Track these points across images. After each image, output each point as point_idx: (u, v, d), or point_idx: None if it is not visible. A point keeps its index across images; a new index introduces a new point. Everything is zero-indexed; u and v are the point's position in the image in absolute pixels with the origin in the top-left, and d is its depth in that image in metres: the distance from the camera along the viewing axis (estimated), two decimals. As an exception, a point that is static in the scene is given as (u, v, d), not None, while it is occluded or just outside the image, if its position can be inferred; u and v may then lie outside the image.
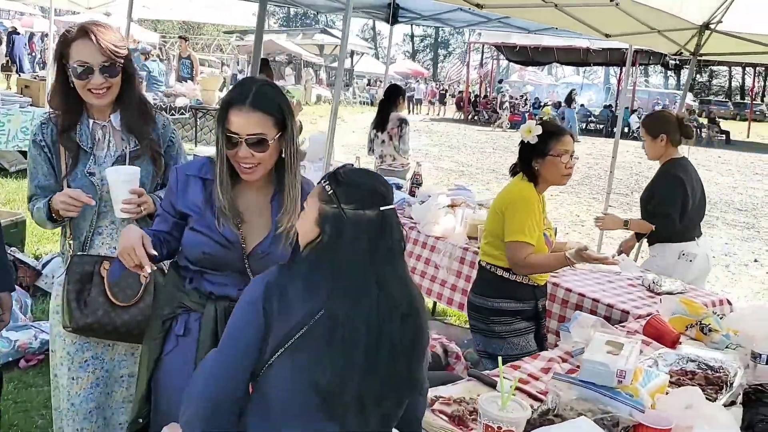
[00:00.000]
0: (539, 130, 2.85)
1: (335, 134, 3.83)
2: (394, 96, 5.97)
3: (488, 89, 35.50)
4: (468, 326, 4.57)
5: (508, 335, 2.93)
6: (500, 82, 36.33)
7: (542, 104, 29.45)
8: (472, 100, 32.15)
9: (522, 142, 2.91)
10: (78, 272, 2.19)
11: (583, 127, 25.93)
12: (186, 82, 11.07)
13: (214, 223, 1.91)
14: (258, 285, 1.52)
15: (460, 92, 33.81)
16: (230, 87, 2.10)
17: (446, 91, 36.11)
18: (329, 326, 1.43)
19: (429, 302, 5.11)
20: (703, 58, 4.93)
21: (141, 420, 2.02)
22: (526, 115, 20.92)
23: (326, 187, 1.53)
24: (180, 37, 14.08)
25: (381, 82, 36.81)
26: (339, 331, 1.43)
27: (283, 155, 1.94)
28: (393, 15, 6.69)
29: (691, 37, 4.68)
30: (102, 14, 10.07)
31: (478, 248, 3.93)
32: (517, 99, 31.47)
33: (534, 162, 2.88)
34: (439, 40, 70.72)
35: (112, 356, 2.31)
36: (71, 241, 2.25)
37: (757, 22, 4.22)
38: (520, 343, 2.93)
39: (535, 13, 4.14)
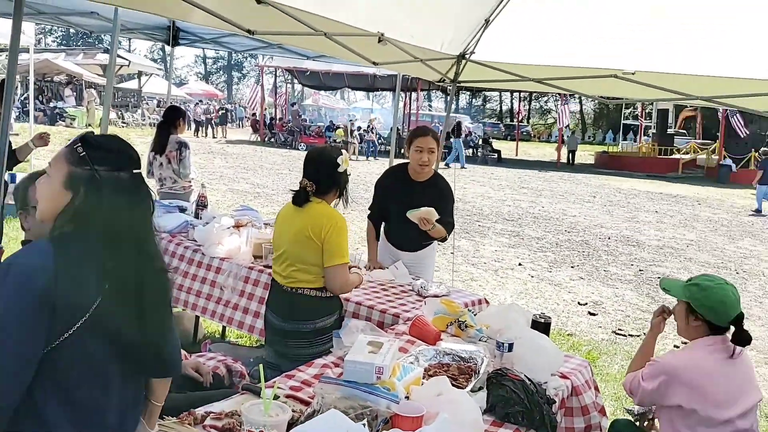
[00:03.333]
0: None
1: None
2: (172, 118, 5.82)
3: (284, 112, 35.86)
4: (257, 345, 4.64)
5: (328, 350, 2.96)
6: (293, 105, 36.86)
7: (335, 127, 30.39)
8: (268, 122, 32.25)
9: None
10: None
11: (376, 149, 27.25)
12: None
13: None
14: (34, 262, 1.49)
15: (253, 114, 33.71)
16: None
17: (227, 110, 35.92)
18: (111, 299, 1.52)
19: (218, 326, 5.06)
20: (462, 84, 5.50)
21: None
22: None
23: (77, 149, 1.55)
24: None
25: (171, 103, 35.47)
26: (120, 298, 1.54)
27: None
28: (174, 37, 6.57)
29: (451, 65, 5.21)
30: None
31: (264, 267, 4.02)
32: (312, 123, 32.29)
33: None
34: (232, 62, 69.98)
35: None
36: None
37: (502, 54, 4.83)
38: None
39: (306, 41, 4.34)
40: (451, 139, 24.61)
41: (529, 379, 2.46)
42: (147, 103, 36.03)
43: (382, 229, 4.42)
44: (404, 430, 1.96)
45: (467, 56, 5.07)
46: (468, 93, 47.70)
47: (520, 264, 8.77)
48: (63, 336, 1.49)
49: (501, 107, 56.61)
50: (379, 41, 4.33)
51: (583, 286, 7.90)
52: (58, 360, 1.51)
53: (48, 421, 1.53)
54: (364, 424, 1.85)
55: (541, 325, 3.06)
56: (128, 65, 27.63)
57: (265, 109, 34.49)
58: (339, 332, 2.80)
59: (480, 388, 2.50)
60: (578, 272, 8.62)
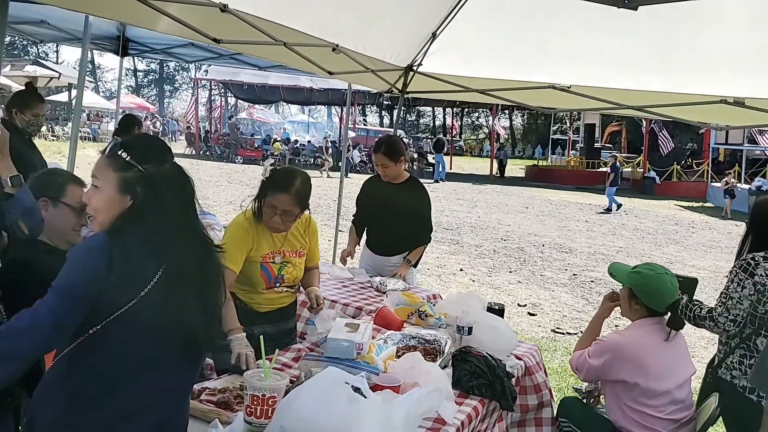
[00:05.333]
0: (268, 174, 2.93)
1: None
2: (129, 126, 5.86)
3: (218, 125, 35.54)
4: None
5: None
6: (230, 118, 36.59)
7: (273, 140, 30.39)
8: (203, 135, 31.92)
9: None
10: None
11: (311, 161, 27.40)
12: None
13: None
14: (94, 247, 1.62)
15: (188, 127, 33.27)
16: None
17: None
18: (170, 280, 1.65)
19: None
20: (409, 95, 5.78)
21: None
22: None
23: (121, 155, 1.67)
24: None
25: (104, 116, 34.61)
26: (176, 283, 1.66)
27: None
28: (123, 47, 6.59)
29: (399, 77, 5.47)
30: None
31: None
32: (248, 136, 32.12)
33: (260, 199, 2.92)
34: (164, 75, 68.64)
35: None
36: None
37: (447, 66, 5.13)
38: None
39: (265, 50, 4.50)
40: (435, 155, 25.26)
41: (491, 356, 2.71)
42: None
43: (363, 236, 4.66)
44: (385, 397, 2.17)
45: (414, 68, 5.35)
46: (402, 108, 48.45)
47: (461, 269, 9.11)
48: (115, 314, 1.60)
49: (434, 122, 57.75)
50: (333, 50, 4.56)
51: (521, 290, 8.30)
52: (109, 337, 1.62)
53: (94, 398, 1.65)
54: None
55: (496, 312, 3.33)
56: (58, 77, 26.84)
57: (200, 122, 34.10)
58: (313, 320, 2.98)
59: (444, 367, 2.73)
60: (516, 276, 9.03)
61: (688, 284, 3.19)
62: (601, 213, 18.01)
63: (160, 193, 1.67)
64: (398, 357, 2.71)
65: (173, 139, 37.17)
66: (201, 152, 30.25)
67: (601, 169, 29.87)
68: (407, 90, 5.56)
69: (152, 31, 4.64)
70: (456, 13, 4.56)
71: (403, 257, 4.43)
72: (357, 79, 5.48)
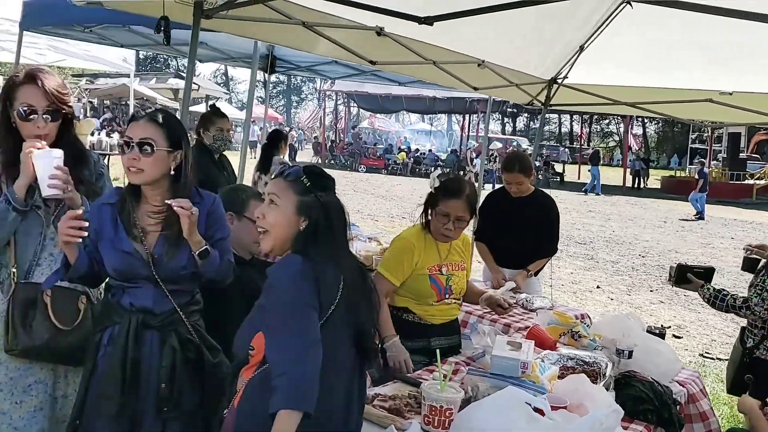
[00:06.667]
0: (437, 183, 3.02)
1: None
2: (276, 140, 6.23)
3: (342, 135, 36.64)
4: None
5: None
6: (354, 128, 37.60)
7: (398, 150, 30.84)
8: (329, 145, 32.97)
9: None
10: (22, 299, 2.29)
11: (432, 171, 27.47)
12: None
13: (118, 240, 2.17)
14: (299, 265, 1.81)
15: (315, 137, 34.52)
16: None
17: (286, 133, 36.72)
18: (350, 291, 1.85)
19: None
20: (553, 107, 5.71)
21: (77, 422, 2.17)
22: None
23: (303, 180, 1.87)
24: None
25: (237, 125, 36.64)
26: (353, 293, 1.86)
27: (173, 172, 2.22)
28: (271, 65, 7.00)
29: (542, 89, 5.43)
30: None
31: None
32: (370, 145, 32.85)
33: (429, 211, 3.05)
34: (291, 86, 71.67)
35: (54, 380, 2.38)
36: (14, 270, 2.32)
37: (594, 77, 5.02)
38: None
39: (415, 69, 4.65)
40: (591, 167, 24.85)
41: (657, 382, 2.63)
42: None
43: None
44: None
45: (559, 80, 5.28)
46: (526, 115, 47.55)
47: (598, 287, 8.82)
48: (321, 321, 1.80)
49: (560, 129, 56.20)
50: (479, 66, 4.61)
51: (664, 310, 7.90)
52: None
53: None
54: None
55: (657, 334, 3.22)
56: (197, 89, 28.78)
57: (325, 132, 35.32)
58: (468, 334, 3.03)
59: (606, 388, 2.67)
60: (658, 296, 8.61)
61: (707, 273, 3.69)
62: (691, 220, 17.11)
63: (330, 217, 1.88)
64: (560, 378, 2.69)
65: (300, 148, 38.75)
66: (327, 161, 31.28)
67: (747, 182, 27.76)
68: (551, 103, 5.50)
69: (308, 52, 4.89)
70: (606, 26, 4.46)
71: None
72: (500, 93, 5.50)
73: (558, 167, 30.34)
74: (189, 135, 2.31)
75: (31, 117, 2.29)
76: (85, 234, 2.09)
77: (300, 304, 1.77)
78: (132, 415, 2.13)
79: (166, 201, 2.14)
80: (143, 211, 2.22)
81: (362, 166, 29.29)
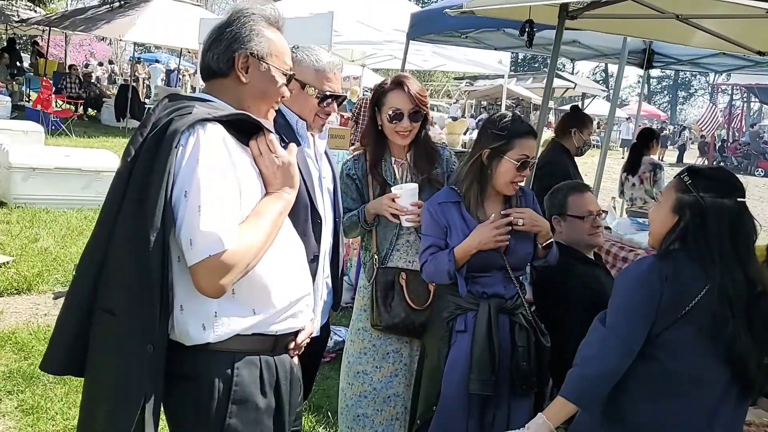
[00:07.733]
0: None
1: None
2: (647, 139, 5.93)
3: (736, 134, 32.53)
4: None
5: None
6: (752, 126, 33.09)
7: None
8: (719, 145, 29.69)
9: None
10: (383, 281, 2.65)
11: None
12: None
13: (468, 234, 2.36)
14: (644, 269, 1.80)
15: (701, 137, 31.40)
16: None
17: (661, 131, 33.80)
18: (715, 300, 1.71)
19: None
20: None
21: (434, 408, 2.39)
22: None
23: (684, 178, 1.82)
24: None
25: (614, 124, 35.43)
26: (722, 304, 1.71)
27: None
28: (648, 60, 6.64)
29: None
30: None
31: None
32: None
33: None
34: (678, 81, 66.40)
35: (410, 351, 2.72)
36: (376, 255, 2.71)
37: None
38: None
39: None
40: None
41: None
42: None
43: None
44: None
45: None
46: None
47: None
48: (665, 329, 1.75)
49: None
50: None
51: None
52: (657, 351, 1.76)
53: (619, 410, 1.80)
54: None
55: None
56: (573, 88, 28.63)
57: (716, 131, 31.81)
58: None
59: None
60: None
61: None
62: None
63: (707, 221, 1.74)
64: None
65: (687, 147, 35.63)
66: (714, 162, 28.25)
67: None
68: None
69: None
70: None
71: None
72: None
73: None
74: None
75: (397, 119, 2.61)
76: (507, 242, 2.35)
77: (628, 309, 1.76)
78: (489, 394, 2.29)
79: (501, 212, 2.37)
80: (491, 205, 2.44)
81: (759, 169, 25.69)
